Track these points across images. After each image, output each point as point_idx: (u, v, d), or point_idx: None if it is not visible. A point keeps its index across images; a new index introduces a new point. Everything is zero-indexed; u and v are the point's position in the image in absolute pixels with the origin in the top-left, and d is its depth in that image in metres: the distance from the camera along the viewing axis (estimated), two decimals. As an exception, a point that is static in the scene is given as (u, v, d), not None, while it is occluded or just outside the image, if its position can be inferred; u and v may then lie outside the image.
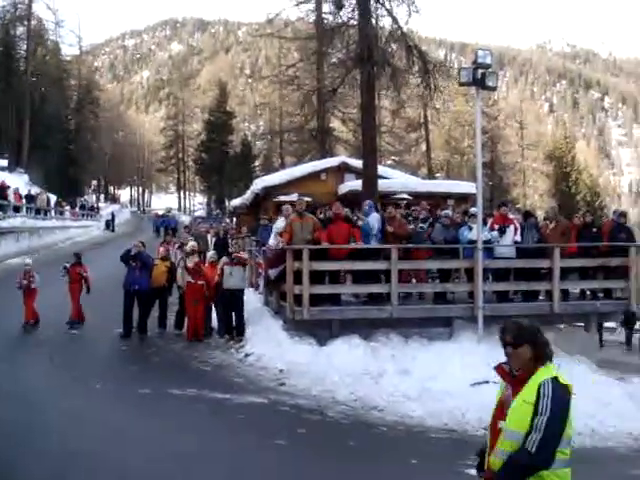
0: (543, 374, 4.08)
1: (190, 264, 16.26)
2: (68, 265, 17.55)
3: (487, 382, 11.79)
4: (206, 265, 16.82)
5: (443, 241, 15.38)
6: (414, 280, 16.28)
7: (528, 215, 16.91)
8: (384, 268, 14.59)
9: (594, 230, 16.55)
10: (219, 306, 16.25)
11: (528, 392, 4.02)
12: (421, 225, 16.47)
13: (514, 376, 4.18)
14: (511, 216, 16.16)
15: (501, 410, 4.17)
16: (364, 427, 9.99)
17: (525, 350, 4.14)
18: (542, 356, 4.17)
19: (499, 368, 4.32)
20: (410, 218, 17.49)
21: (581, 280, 16.38)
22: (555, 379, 4.05)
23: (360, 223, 15.88)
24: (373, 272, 15.12)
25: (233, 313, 15.89)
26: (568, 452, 4.05)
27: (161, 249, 17.88)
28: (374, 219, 15.63)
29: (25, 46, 65.18)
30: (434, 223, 16.60)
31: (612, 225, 16.50)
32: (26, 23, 64.93)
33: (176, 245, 20.10)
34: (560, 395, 4.00)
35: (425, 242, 15.81)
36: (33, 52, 66.55)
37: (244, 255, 16.76)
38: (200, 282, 15.96)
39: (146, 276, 16.05)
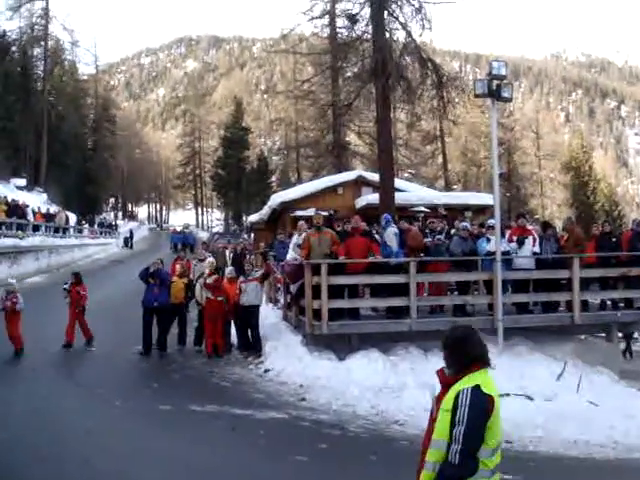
0: (465, 382, 4.10)
1: (209, 280, 16.29)
2: (67, 285, 17.02)
3: (508, 395, 11.74)
4: (224, 281, 16.83)
5: (461, 253, 15.33)
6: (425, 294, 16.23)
7: (546, 226, 16.83)
8: (403, 281, 14.56)
9: (613, 239, 16.44)
10: (237, 322, 16.27)
11: (447, 401, 4.09)
12: (438, 237, 16.41)
13: (443, 379, 4.26)
14: (529, 227, 16.11)
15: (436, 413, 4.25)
16: (385, 441, 9.94)
17: (447, 355, 4.27)
18: (455, 362, 4.23)
19: (439, 371, 4.37)
20: (427, 231, 17.42)
21: (601, 290, 16.29)
22: (476, 388, 4.05)
23: (377, 237, 15.87)
24: (392, 286, 15.09)
25: (250, 329, 15.92)
26: (492, 463, 4.07)
27: (177, 266, 17.91)
28: (390, 234, 15.61)
29: (42, 66, 65.79)
30: (451, 235, 16.58)
31: (632, 234, 16.39)
32: (43, 43, 65.54)
33: (194, 261, 20.16)
34: (478, 405, 4.01)
35: (444, 254, 15.77)
36: (50, 72, 67.19)
37: (258, 274, 16.75)
38: (219, 298, 15.98)
39: (165, 293, 16.06)
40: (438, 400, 4.25)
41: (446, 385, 4.21)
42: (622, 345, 20.62)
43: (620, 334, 19.23)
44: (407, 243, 15.70)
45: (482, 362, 4.26)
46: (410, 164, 64.02)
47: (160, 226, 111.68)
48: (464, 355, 4.23)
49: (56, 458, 8.37)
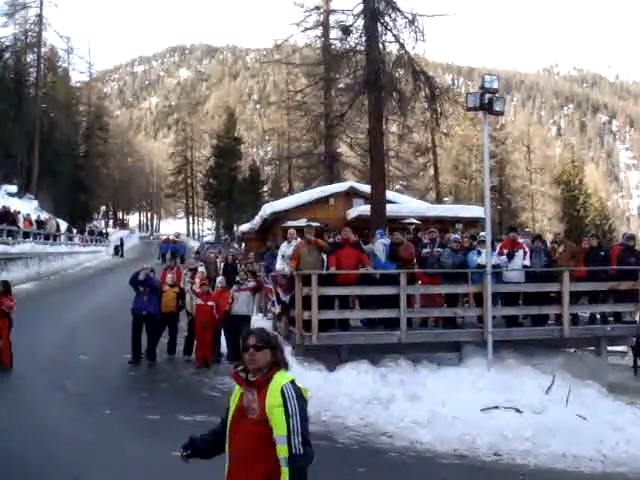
0: (282, 378, 4.36)
1: (197, 288, 16.30)
2: None
3: (497, 407, 11.77)
4: (215, 291, 16.80)
5: (451, 265, 15.37)
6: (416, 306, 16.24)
7: (536, 239, 16.89)
8: (393, 293, 14.58)
9: (601, 254, 16.51)
10: (227, 332, 16.25)
11: (273, 396, 4.25)
12: (438, 249, 16.41)
13: (249, 382, 4.39)
14: (520, 240, 16.17)
15: (240, 416, 4.36)
16: (374, 453, 9.93)
17: (265, 354, 4.41)
18: (279, 361, 4.48)
19: (234, 375, 4.55)
20: (426, 241, 17.41)
21: (591, 304, 16.35)
22: (293, 382, 4.35)
23: (365, 248, 15.88)
24: (380, 297, 15.12)
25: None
26: None
27: (168, 275, 17.85)
28: (379, 245, 15.69)
29: (35, 73, 65.74)
30: (440, 246, 16.62)
31: (621, 248, 16.45)
32: (36, 50, 65.52)
33: (184, 270, 20.13)
34: (302, 397, 4.30)
35: (434, 266, 15.80)
36: (43, 79, 67.14)
37: (250, 285, 16.73)
38: (210, 303, 15.97)
39: (155, 301, 16.02)
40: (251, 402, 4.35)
41: (260, 384, 4.35)
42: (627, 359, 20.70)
43: (626, 348, 19.32)
44: (399, 255, 15.73)
45: (288, 362, 4.65)
46: (402, 176, 64.13)
47: (151, 235, 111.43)
48: (283, 353, 4.60)
49: (44, 468, 8.32)
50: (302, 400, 4.30)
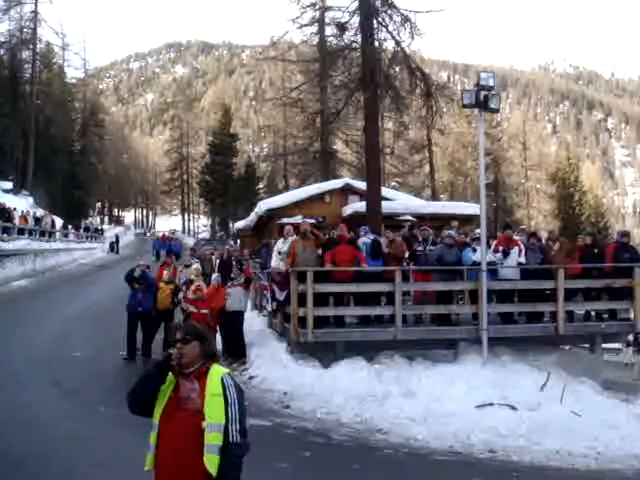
0: (220, 370, 4.51)
1: (191, 295, 16.08)
2: None
3: (492, 404, 11.79)
4: (209, 288, 16.74)
5: (437, 260, 15.33)
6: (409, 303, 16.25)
7: (531, 236, 16.91)
8: (388, 290, 14.60)
9: (595, 251, 16.52)
10: (222, 328, 16.24)
11: (213, 385, 4.39)
12: (430, 248, 16.42)
13: (182, 373, 4.46)
14: (516, 238, 16.18)
15: (174, 407, 4.40)
16: (369, 450, 9.94)
17: (194, 346, 4.47)
18: (211, 353, 4.60)
19: (172, 369, 4.55)
20: (420, 239, 17.41)
21: (585, 301, 16.36)
22: (229, 373, 4.53)
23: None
24: (375, 294, 15.16)
25: (233, 335, 15.90)
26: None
27: (164, 272, 17.82)
28: (360, 243, 15.74)
29: (31, 69, 65.55)
30: (434, 244, 16.66)
31: (616, 246, 16.47)
32: (31, 47, 65.36)
33: (180, 267, 20.09)
34: (239, 387, 4.51)
35: (427, 264, 15.81)
36: (38, 75, 66.96)
37: (241, 280, 16.68)
38: (203, 311, 15.81)
39: (149, 298, 16.01)
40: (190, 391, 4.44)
41: (198, 375, 4.44)
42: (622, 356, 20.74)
43: (622, 345, 19.34)
44: (390, 252, 15.78)
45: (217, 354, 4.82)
46: (397, 173, 64.11)
47: (145, 232, 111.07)
48: (213, 346, 4.74)
49: (38, 464, 8.31)
50: (240, 391, 4.48)
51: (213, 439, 4.26)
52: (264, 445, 9.92)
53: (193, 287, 16.12)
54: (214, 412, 4.30)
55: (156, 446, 4.46)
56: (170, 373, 4.44)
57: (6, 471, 8.09)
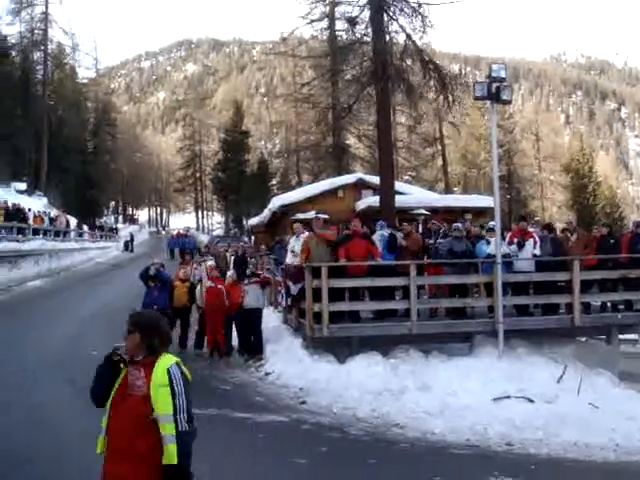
0: (168, 360, 4.60)
1: (208, 283, 16.36)
2: None
3: (509, 397, 11.76)
4: (226, 284, 16.80)
5: (448, 253, 15.31)
6: (426, 297, 16.25)
7: (544, 228, 16.84)
8: (403, 284, 14.59)
9: (611, 242, 16.43)
10: (238, 325, 16.28)
11: (159, 376, 4.50)
12: (440, 241, 16.41)
13: (131, 362, 4.63)
14: (530, 229, 16.12)
15: (123, 394, 4.59)
16: (386, 444, 9.93)
17: (135, 337, 4.63)
18: (154, 345, 4.65)
19: (121, 359, 4.76)
20: (433, 233, 17.40)
21: (601, 292, 16.28)
22: (178, 364, 4.60)
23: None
24: (390, 289, 15.15)
25: (251, 332, 15.94)
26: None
27: (181, 272, 17.82)
28: (376, 237, 15.77)
29: (42, 70, 65.83)
30: (444, 237, 16.66)
31: (631, 236, 16.39)
32: (43, 47, 65.59)
33: (195, 265, 20.13)
34: (185, 377, 4.59)
35: (441, 256, 15.78)
36: (50, 76, 67.22)
37: (266, 275, 16.78)
38: (220, 286, 16.07)
39: (165, 296, 16.02)
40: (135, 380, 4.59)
41: (146, 364, 4.58)
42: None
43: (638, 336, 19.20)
44: (406, 245, 15.75)
45: (169, 344, 4.86)
46: (410, 167, 64.04)
47: (159, 230, 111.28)
48: (162, 336, 4.75)
49: (52, 463, 8.34)
50: (186, 381, 4.58)
51: (166, 429, 4.42)
52: (281, 440, 9.98)
53: (207, 266, 16.47)
54: (162, 403, 4.44)
55: (106, 430, 4.70)
56: (122, 363, 4.65)
57: (20, 470, 8.13)
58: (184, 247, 37.11)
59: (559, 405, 11.59)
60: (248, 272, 17.22)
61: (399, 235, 16.24)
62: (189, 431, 4.46)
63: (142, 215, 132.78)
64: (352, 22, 24.47)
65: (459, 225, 16.62)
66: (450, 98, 24.31)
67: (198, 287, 16.90)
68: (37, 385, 12.56)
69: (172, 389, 4.46)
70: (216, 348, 15.68)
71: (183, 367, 4.63)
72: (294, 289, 15.61)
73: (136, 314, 4.92)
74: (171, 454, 4.38)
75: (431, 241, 16.70)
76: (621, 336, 16.65)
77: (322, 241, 14.91)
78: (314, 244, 14.82)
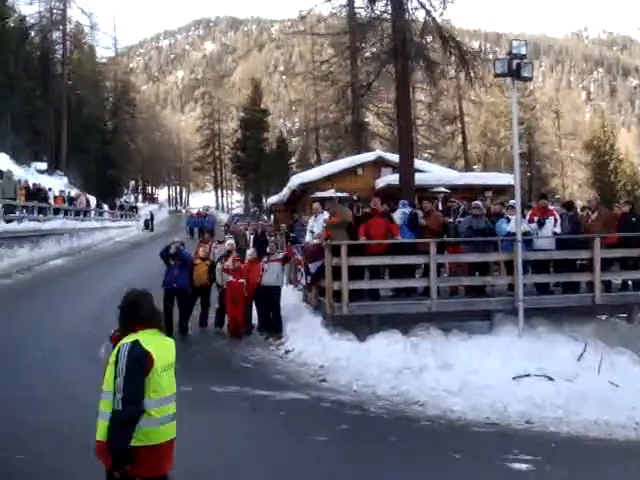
0: (126, 339, 4.73)
1: (229, 265, 16.34)
2: None
3: (529, 375, 11.75)
4: (246, 263, 16.84)
5: (469, 231, 15.27)
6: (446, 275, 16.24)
7: (565, 206, 16.75)
8: (423, 262, 14.58)
9: (633, 220, 16.27)
10: (259, 303, 16.32)
11: (113, 354, 4.73)
12: (459, 219, 16.37)
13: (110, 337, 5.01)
14: (551, 207, 16.03)
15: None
16: (406, 422, 9.97)
17: (117, 314, 4.95)
18: (126, 323, 4.89)
19: (113, 337, 5.02)
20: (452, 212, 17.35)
21: (622, 270, 16.17)
22: (135, 342, 4.66)
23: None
24: (411, 267, 15.15)
25: (270, 310, 15.99)
26: (158, 413, 4.76)
27: (200, 250, 17.82)
28: (398, 213, 15.77)
29: (61, 50, 66.04)
30: (463, 215, 16.64)
31: (653, 214, 16.26)
32: (61, 27, 65.72)
33: (214, 243, 20.17)
34: (134, 357, 4.60)
35: (460, 235, 15.73)
36: (69, 56, 67.38)
37: (279, 256, 16.75)
38: (241, 280, 16.02)
39: (185, 274, 16.04)
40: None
41: (115, 343, 4.85)
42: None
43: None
44: (426, 224, 15.72)
45: (148, 324, 4.89)
46: (430, 144, 63.86)
47: (177, 209, 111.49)
48: (133, 316, 4.89)
49: (77, 442, 8.42)
50: (133, 362, 4.59)
51: (103, 406, 4.67)
52: (301, 418, 10.05)
53: (232, 257, 16.39)
54: (106, 380, 4.68)
55: None
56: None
57: (47, 440, 8.25)
58: (203, 226, 36.92)
59: (579, 384, 11.56)
60: (268, 250, 17.21)
61: (420, 213, 16.20)
62: (122, 411, 4.51)
63: (162, 194, 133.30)
64: (371, -1, 24.34)
65: (479, 203, 16.57)
66: (471, 75, 24.17)
67: (218, 265, 16.92)
68: (59, 364, 12.67)
69: (115, 368, 4.61)
70: (236, 332, 15.72)
71: (144, 347, 4.66)
72: (313, 267, 15.62)
73: (127, 292, 5.08)
74: (101, 430, 4.61)
75: (450, 220, 16.63)
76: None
77: (340, 222, 14.93)
78: (333, 228, 14.86)
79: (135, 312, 4.89)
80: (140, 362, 4.60)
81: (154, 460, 4.72)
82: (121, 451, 4.50)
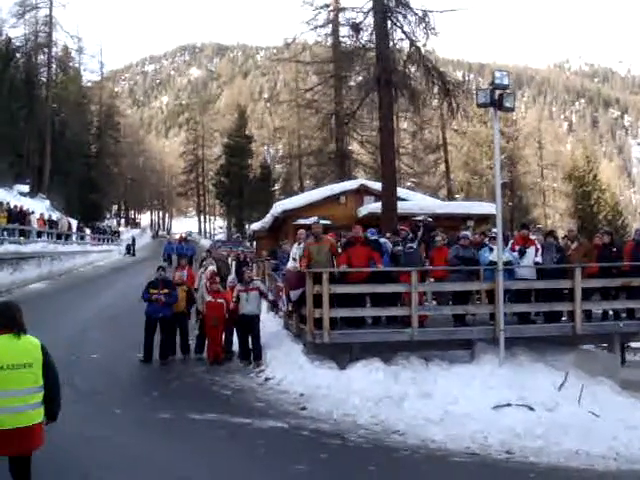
0: None
1: (208, 284, 16.34)
2: None
3: (509, 405, 11.73)
4: (227, 289, 16.76)
5: (458, 260, 15.31)
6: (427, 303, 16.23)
7: (548, 235, 16.82)
8: (405, 291, 14.56)
9: (613, 250, 16.35)
10: (239, 331, 16.23)
11: None
12: (410, 245, 16.22)
13: None
14: (532, 237, 16.10)
15: None
16: (385, 451, 9.89)
17: None
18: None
19: None
20: (398, 239, 17.11)
21: (603, 300, 16.23)
22: None
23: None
24: (392, 295, 15.12)
25: (250, 338, 15.90)
26: None
27: (177, 274, 17.62)
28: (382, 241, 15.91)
29: (46, 73, 66.03)
30: (421, 240, 16.74)
31: (634, 244, 16.34)
32: (47, 50, 65.79)
33: (198, 273, 20.04)
34: None
35: (418, 263, 15.62)
36: (54, 79, 67.38)
37: (260, 286, 16.71)
38: (219, 300, 15.95)
39: (173, 300, 15.95)
40: None
41: None
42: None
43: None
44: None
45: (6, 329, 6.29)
46: (413, 173, 64.07)
47: (157, 233, 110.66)
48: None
49: (53, 467, 8.30)
50: None
51: None
52: (280, 446, 9.96)
53: (208, 273, 16.39)
54: None
55: None
56: None
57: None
58: (181, 253, 32.82)
59: (560, 413, 11.55)
60: (246, 277, 17.07)
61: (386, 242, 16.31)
62: None
63: (144, 219, 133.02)
64: (356, 28, 24.53)
65: (467, 234, 16.63)
66: (453, 105, 24.36)
67: (199, 291, 16.84)
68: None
69: None
70: (216, 360, 15.63)
71: None
72: (293, 295, 15.56)
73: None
74: None
75: (399, 247, 16.42)
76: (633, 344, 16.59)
77: (323, 247, 14.91)
78: (315, 250, 14.81)
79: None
80: None
81: None
82: None
